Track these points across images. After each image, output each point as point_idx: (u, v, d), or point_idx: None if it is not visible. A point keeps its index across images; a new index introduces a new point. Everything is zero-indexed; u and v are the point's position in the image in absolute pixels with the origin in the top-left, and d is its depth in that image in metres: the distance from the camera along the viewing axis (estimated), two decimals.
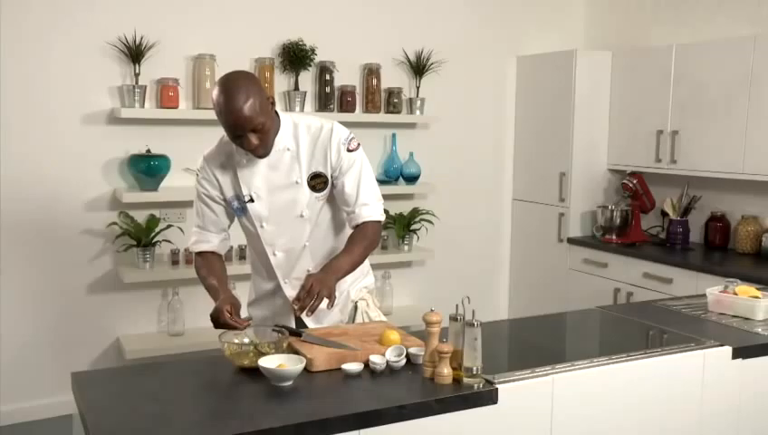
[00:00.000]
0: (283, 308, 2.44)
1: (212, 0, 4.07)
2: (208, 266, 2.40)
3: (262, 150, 2.26)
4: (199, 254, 2.44)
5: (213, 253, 2.44)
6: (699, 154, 4.15)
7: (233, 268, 3.73)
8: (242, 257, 4.06)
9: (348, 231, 2.45)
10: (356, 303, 2.53)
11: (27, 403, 3.84)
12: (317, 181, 2.36)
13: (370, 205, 2.37)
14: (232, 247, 4.04)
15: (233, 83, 2.17)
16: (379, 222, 2.40)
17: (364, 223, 2.36)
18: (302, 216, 2.36)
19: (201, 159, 2.41)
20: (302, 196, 2.35)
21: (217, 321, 2.18)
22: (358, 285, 2.53)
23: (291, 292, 2.40)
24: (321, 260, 2.40)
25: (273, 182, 2.34)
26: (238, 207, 2.38)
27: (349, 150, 2.35)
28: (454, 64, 4.75)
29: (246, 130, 2.17)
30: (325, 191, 2.38)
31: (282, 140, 2.32)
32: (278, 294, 2.45)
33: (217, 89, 2.19)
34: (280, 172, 2.33)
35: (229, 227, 2.47)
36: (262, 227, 2.37)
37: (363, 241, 2.34)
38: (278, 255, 2.40)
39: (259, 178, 2.33)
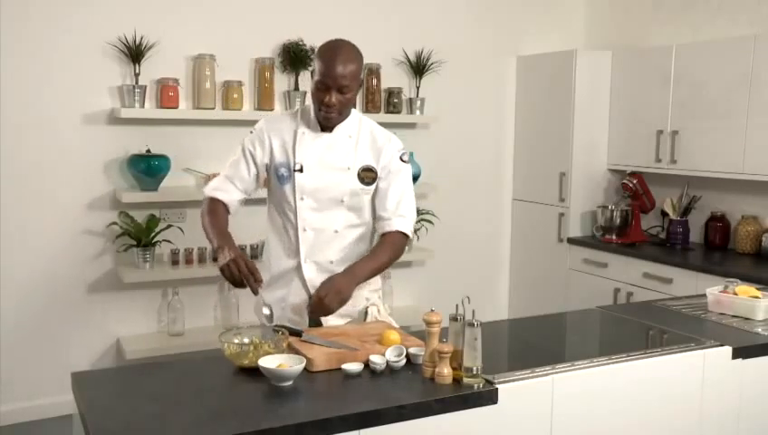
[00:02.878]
0: (299, 289, 2.44)
1: (212, 0, 4.07)
2: (218, 216, 2.40)
3: (335, 115, 2.37)
4: (211, 201, 2.44)
5: (224, 206, 2.44)
6: (699, 154, 4.15)
7: None
8: (253, 257, 4.02)
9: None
10: (366, 308, 2.53)
11: (27, 403, 3.85)
12: (367, 174, 2.44)
13: (407, 218, 2.47)
14: (245, 247, 4.03)
15: (344, 45, 2.38)
16: (408, 237, 2.49)
17: (395, 233, 2.44)
18: (342, 201, 2.41)
19: (259, 122, 2.50)
20: (348, 182, 2.41)
21: (234, 271, 2.18)
22: (371, 287, 2.54)
23: (309, 274, 2.43)
24: (346, 259, 2.43)
25: (326, 161, 2.41)
26: (284, 174, 2.42)
27: (401, 160, 2.49)
28: (454, 64, 4.75)
29: (336, 83, 2.30)
30: (372, 186, 2.45)
31: (347, 127, 2.45)
32: (296, 273, 2.45)
33: (328, 44, 2.38)
34: (335, 154, 2.42)
35: (250, 194, 2.50)
36: (302, 199, 2.40)
37: (389, 250, 2.44)
38: (308, 231, 2.42)
39: (315, 152, 2.41)
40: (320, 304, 2.25)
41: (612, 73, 4.68)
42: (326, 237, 2.44)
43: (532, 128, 4.97)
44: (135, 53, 3.84)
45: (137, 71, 3.86)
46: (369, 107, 4.48)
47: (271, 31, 4.21)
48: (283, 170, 2.43)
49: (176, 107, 3.95)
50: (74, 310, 3.94)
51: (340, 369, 2.00)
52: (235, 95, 4.07)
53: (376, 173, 2.45)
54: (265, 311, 2.26)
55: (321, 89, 2.33)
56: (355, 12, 4.44)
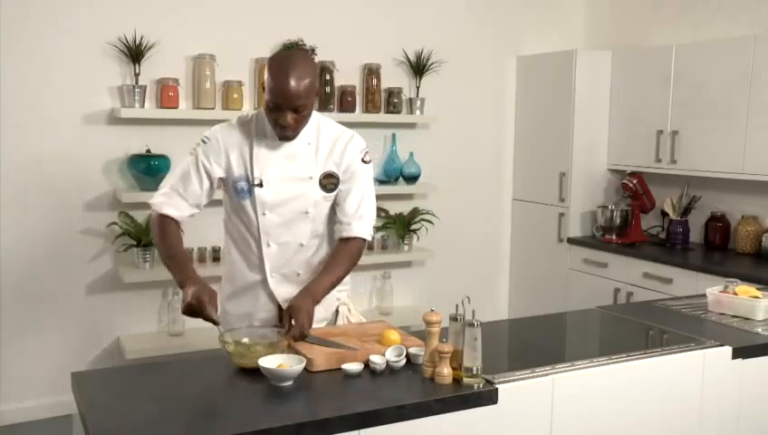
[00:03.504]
0: (267, 304, 2.40)
1: (212, 0, 4.07)
2: (173, 238, 2.28)
3: (291, 133, 2.26)
4: (161, 216, 2.30)
5: (176, 223, 2.31)
6: (699, 154, 4.15)
7: (207, 270, 3.70)
8: (215, 259, 4.03)
9: None
10: (337, 308, 2.51)
11: (27, 403, 3.85)
12: (329, 181, 2.36)
13: (365, 221, 2.40)
14: (206, 249, 4.04)
15: (296, 58, 2.21)
16: (366, 241, 2.42)
17: (353, 239, 2.37)
18: (306, 212, 2.35)
19: (212, 130, 2.34)
20: (311, 192, 2.34)
21: (193, 310, 2.08)
22: (339, 287, 2.48)
23: (276, 287, 2.38)
24: (312, 268, 2.39)
25: (286, 172, 2.33)
26: (243, 189, 2.31)
27: (363, 161, 2.40)
28: (454, 64, 4.75)
29: (290, 105, 2.18)
30: (334, 193, 2.38)
31: (305, 134, 2.33)
32: (262, 287, 2.40)
33: (277, 58, 2.24)
34: (296, 164, 2.33)
35: (200, 208, 2.36)
36: (264, 214, 2.32)
37: (346, 262, 2.36)
38: (272, 246, 2.36)
39: (274, 164, 2.31)
40: (299, 327, 2.13)
41: (612, 73, 4.68)
42: (291, 251, 2.38)
43: (532, 128, 4.97)
44: (135, 53, 3.84)
45: (137, 71, 3.86)
46: (369, 107, 4.48)
47: (271, 31, 4.20)
48: (242, 184, 2.30)
49: (176, 107, 3.95)
50: (74, 310, 3.94)
51: (340, 369, 2.00)
52: (235, 95, 4.07)
53: (338, 178, 2.37)
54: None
55: (274, 109, 2.20)
56: (355, 12, 4.44)
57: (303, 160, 2.34)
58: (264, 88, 2.23)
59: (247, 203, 2.33)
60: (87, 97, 3.85)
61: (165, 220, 2.30)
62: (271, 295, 2.39)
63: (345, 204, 2.38)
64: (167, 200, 2.31)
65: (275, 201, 2.32)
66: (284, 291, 2.35)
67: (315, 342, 2.13)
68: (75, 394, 1.94)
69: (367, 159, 2.42)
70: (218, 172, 2.31)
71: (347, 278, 2.51)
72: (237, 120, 2.38)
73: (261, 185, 2.30)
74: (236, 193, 2.33)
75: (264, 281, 2.39)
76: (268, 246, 2.36)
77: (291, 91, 2.15)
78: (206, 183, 2.32)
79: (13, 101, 3.71)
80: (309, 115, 2.29)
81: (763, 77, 3.82)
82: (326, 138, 2.37)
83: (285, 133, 2.26)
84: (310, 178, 2.34)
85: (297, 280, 2.37)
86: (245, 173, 2.31)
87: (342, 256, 2.36)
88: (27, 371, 3.86)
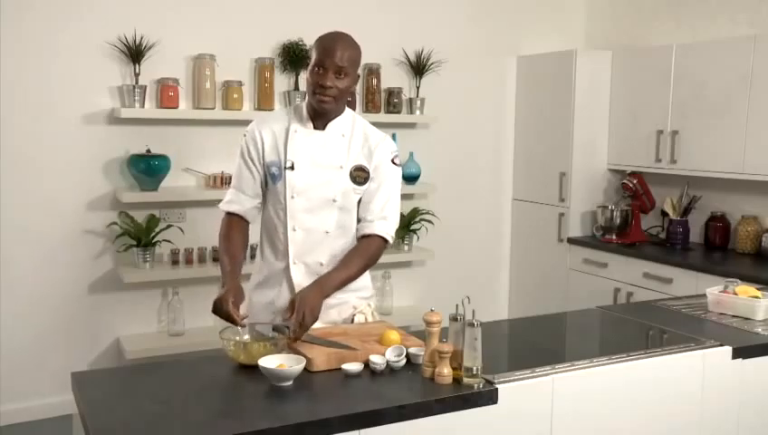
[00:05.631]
0: (286, 292, 2.40)
1: (212, 0, 4.07)
2: (230, 239, 2.40)
3: (330, 100, 2.32)
4: (229, 215, 2.45)
5: (241, 219, 2.43)
6: (699, 154, 4.15)
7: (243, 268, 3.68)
8: (252, 256, 4.01)
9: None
10: (353, 316, 2.48)
11: (27, 403, 3.85)
12: (359, 174, 2.40)
13: (388, 221, 2.43)
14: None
15: (346, 34, 2.38)
16: (387, 242, 2.44)
17: (373, 237, 2.40)
18: (334, 200, 2.38)
19: (252, 123, 2.47)
20: (340, 181, 2.38)
21: (219, 310, 2.21)
22: (359, 293, 2.49)
23: (297, 276, 2.39)
24: (336, 262, 2.39)
25: (318, 159, 2.38)
26: (275, 173, 2.39)
27: (393, 163, 2.46)
28: (454, 64, 4.75)
29: (334, 66, 2.28)
30: (364, 186, 2.41)
31: (339, 125, 2.41)
32: (285, 275, 2.42)
33: (328, 32, 2.37)
34: (328, 152, 2.38)
35: (260, 198, 2.46)
36: (292, 197, 2.36)
37: (364, 258, 2.39)
38: (298, 231, 2.39)
39: (307, 150, 2.37)
40: (300, 327, 2.15)
41: (612, 73, 4.68)
42: (316, 238, 2.39)
43: (532, 128, 4.97)
44: (135, 53, 3.84)
45: (137, 71, 3.86)
46: (370, 107, 4.48)
47: (271, 31, 4.21)
48: (274, 169, 2.39)
49: (176, 107, 3.95)
50: (74, 310, 3.94)
51: (340, 369, 2.00)
52: (235, 95, 4.07)
53: (368, 173, 2.41)
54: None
55: (319, 72, 2.29)
56: (355, 11, 4.44)
57: (335, 150, 2.39)
58: (309, 66, 2.34)
59: (279, 186, 2.39)
60: (87, 97, 3.85)
61: (230, 221, 2.44)
62: (291, 284, 2.40)
63: (370, 202, 2.42)
64: (229, 198, 2.46)
65: (304, 185, 2.37)
66: (305, 281, 2.35)
67: (315, 341, 2.13)
68: (75, 394, 1.94)
69: (396, 161, 2.47)
70: (261, 158, 2.41)
71: (368, 284, 2.53)
72: (278, 110, 2.51)
73: (292, 168, 2.36)
74: (270, 178, 2.41)
75: (287, 268, 2.41)
76: (294, 230, 2.39)
77: (336, 54, 2.27)
78: (256, 171, 2.42)
79: (13, 100, 3.71)
80: (346, 92, 2.35)
81: (763, 77, 3.82)
82: (359, 134, 2.43)
83: (325, 97, 2.31)
84: (340, 168, 2.38)
85: (319, 270, 2.38)
86: (278, 158, 2.39)
87: (360, 252, 2.39)
88: (27, 371, 3.86)
